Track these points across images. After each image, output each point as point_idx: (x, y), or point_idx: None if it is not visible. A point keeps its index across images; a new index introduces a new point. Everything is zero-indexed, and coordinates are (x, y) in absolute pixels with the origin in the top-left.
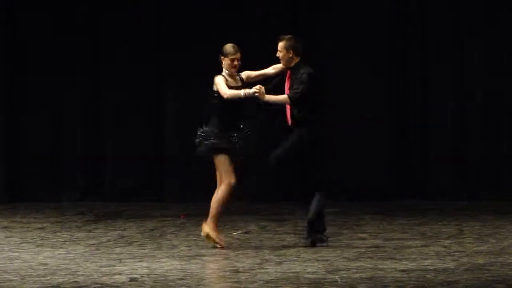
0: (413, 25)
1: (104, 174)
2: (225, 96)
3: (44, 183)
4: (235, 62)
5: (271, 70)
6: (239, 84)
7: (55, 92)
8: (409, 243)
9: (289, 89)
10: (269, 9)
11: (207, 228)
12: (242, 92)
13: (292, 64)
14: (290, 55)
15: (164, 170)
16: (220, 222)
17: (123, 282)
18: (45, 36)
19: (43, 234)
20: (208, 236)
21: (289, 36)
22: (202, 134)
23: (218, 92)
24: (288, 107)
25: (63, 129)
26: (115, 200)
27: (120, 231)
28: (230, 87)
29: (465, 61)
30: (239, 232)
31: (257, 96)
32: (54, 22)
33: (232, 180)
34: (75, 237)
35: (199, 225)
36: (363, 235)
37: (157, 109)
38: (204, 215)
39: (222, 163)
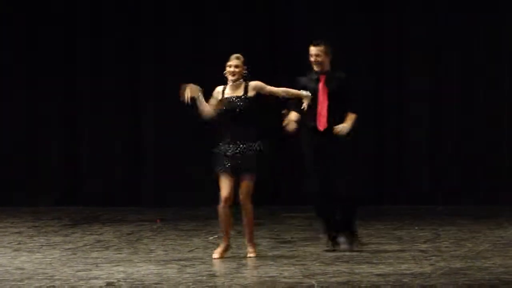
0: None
1: (80, 178)
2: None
3: (21, 188)
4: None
5: (281, 92)
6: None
7: (30, 94)
8: (386, 247)
9: (331, 94)
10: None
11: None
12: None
13: (327, 68)
14: (329, 59)
15: (140, 174)
16: (197, 227)
17: (100, 287)
18: (20, 34)
19: (19, 239)
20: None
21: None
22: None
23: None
24: (325, 110)
25: (39, 133)
26: (92, 204)
27: (97, 236)
28: None
29: (439, 70)
30: (215, 236)
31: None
32: (28, 21)
33: None
34: (51, 241)
35: (175, 229)
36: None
37: (134, 113)
38: (180, 220)
39: None
